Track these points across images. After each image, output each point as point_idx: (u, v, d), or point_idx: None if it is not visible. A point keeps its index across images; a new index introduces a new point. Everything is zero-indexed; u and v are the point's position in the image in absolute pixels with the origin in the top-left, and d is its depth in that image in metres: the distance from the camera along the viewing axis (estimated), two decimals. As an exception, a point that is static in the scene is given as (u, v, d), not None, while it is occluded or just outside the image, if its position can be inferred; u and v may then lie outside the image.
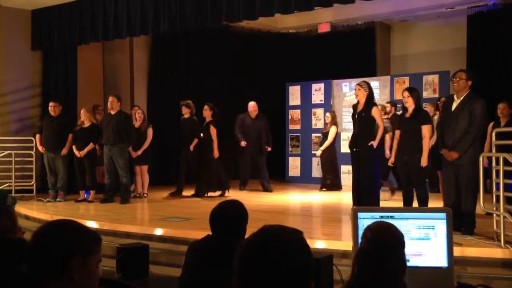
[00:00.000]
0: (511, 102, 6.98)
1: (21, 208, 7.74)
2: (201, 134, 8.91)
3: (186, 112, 9.17)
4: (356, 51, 11.93)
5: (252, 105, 9.74)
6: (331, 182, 9.68)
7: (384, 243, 2.23)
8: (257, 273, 1.35)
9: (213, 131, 8.80)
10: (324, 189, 9.67)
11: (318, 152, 9.67)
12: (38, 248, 1.64)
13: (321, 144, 9.71)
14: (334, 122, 9.58)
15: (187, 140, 8.96)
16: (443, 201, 5.57)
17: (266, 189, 9.47)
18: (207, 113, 8.96)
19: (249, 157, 9.59)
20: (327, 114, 9.88)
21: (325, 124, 9.97)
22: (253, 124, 9.56)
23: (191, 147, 8.85)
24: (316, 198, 8.88)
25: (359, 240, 2.41)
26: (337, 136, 9.78)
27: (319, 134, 10.04)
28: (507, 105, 6.83)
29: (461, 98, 5.36)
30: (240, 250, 1.40)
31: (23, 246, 2.33)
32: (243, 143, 9.48)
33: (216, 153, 8.71)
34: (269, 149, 9.62)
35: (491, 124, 6.76)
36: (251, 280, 1.37)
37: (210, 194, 8.79)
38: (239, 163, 9.85)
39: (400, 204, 6.47)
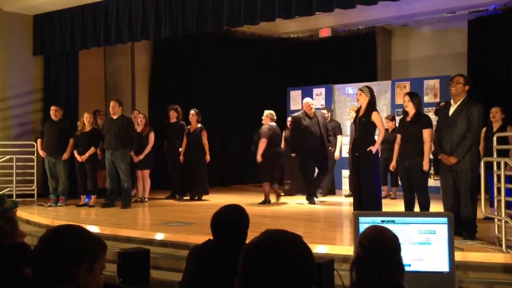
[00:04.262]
0: (505, 107, 6.99)
1: (22, 213, 7.73)
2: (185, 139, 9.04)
3: (173, 117, 9.30)
4: (357, 55, 11.95)
5: (307, 102, 8.60)
6: (295, 187, 9.45)
7: (380, 250, 2.22)
8: (261, 276, 1.37)
9: (205, 136, 8.94)
10: (287, 194, 9.48)
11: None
12: (46, 253, 1.64)
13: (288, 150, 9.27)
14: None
15: (174, 144, 9.10)
16: (443, 206, 5.57)
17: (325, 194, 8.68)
18: (194, 118, 9.02)
19: (314, 163, 8.49)
20: (290, 118, 9.46)
21: (287, 128, 9.51)
22: (313, 124, 8.40)
23: (182, 152, 9.03)
24: (317, 202, 8.86)
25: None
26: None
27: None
28: (500, 110, 6.84)
29: (458, 103, 5.36)
30: (243, 253, 1.42)
31: (25, 251, 2.33)
32: (293, 154, 8.62)
33: (208, 157, 8.88)
34: (332, 150, 8.83)
35: (484, 129, 6.75)
36: (254, 283, 1.38)
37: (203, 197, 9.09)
38: (302, 173, 8.62)
39: (401, 208, 6.47)
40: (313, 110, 8.55)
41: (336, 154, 9.25)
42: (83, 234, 1.72)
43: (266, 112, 8.71)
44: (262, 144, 8.34)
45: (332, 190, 9.69)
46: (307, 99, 8.81)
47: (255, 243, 1.44)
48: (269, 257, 1.39)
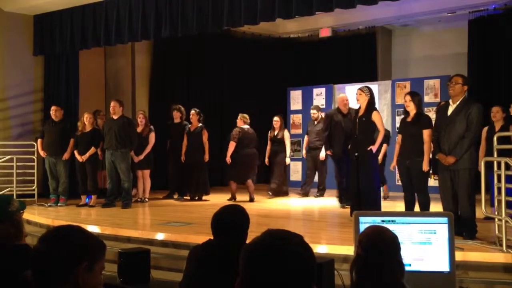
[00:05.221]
0: (506, 106, 6.98)
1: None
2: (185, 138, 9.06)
3: (177, 117, 9.31)
4: (357, 55, 11.95)
5: (341, 97, 8.22)
6: (277, 188, 9.39)
7: (380, 249, 2.22)
8: (262, 275, 1.37)
9: (206, 135, 8.95)
10: (270, 193, 9.33)
11: (287, 160, 9.26)
12: (46, 253, 1.65)
13: (274, 150, 9.27)
14: (284, 126, 9.38)
15: (177, 144, 9.10)
16: (442, 206, 5.57)
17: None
18: (194, 117, 9.03)
19: (344, 163, 7.91)
20: (276, 118, 9.32)
21: (273, 128, 9.34)
22: (345, 121, 7.91)
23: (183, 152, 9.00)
24: (317, 202, 8.87)
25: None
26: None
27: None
28: (500, 109, 6.83)
29: (457, 103, 5.37)
30: (244, 253, 1.42)
31: (28, 252, 2.33)
32: (328, 152, 8.21)
33: (207, 157, 8.89)
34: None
35: (486, 128, 6.76)
36: (255, 282, 1.38)
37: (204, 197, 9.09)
38: (339, 177, 8.12)
39: (401, 208, 6.47)
40: (348, 107, 8.10)
41: (322, 154, 9.06)
42: (83, 234, 1.73)
43: (240, 115, 9.01)
44: (231, 147, 8.75)
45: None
46: (342, 94, 8.47)
47: (256, 242, 1.44)
48: (270, 256, 1.39)
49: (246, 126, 8.94)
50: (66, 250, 1.64)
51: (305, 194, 9.40)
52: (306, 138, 9.47)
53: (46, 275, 1.63)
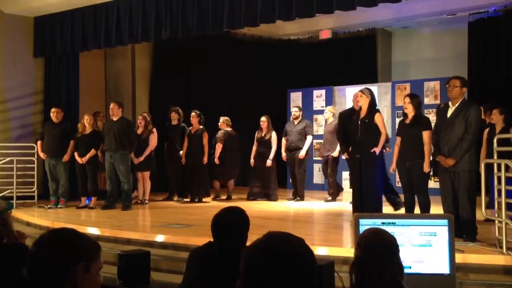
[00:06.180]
0: (505, 108, 6.98)
1: (22, 215, 7.74)
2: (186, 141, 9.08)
3: (175, 118, 9.35)
4: (357, 57, 11.95)
5: (355, 95, 7.43)
6: (260, 191, 9.17)
7: (378, 251, 2.23)
8: (262, 277, 1.37)
9: (206, 138, 8.97)
10: (251, 198, 9.12)
11: (269, 162, 8.95)
12: (43, 254, 1.67)
13: (260, 152, 9.11)
14: (271, 127, 9.18)
15: (175, 146, 9.17)
16: (442, 208, 5.57)
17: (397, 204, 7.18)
18: (195, 119, 9.04)
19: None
20: (263, 118, 9.11)
21: (260, 129, 9.17)
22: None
23: (183, 154, 9.02)
24: (317, 204, 8.87)
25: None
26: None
27: (321, 140, 9.95)
28: (498, 111, 6.84)
29: (456, 105, 5.37)
30: (246, 255, 1.43)
31: (24, 251, 2.34)
32: (345, 155, 7.42)
33: (205, 160, 8.90)
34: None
35: (487, 130, 6.75)
36: (256, 284, 1.38)
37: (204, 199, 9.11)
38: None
39: (402, 210, 6.47)
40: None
41: (302, 153, 8.94)
42: (77, 235, 1.76)
43: (222, 118, 9.39)
44: (218, 148, 9.24)
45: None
46: (356, 92, 7.85)
47: (257, 244, 1.45)
48: (271, 259, 1.39)
49: (229, 129, 9.41)
50: (61, 251, 1.67)
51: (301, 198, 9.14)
52: (284, 140, 9.21)
53: (44, 276, 1.64)
